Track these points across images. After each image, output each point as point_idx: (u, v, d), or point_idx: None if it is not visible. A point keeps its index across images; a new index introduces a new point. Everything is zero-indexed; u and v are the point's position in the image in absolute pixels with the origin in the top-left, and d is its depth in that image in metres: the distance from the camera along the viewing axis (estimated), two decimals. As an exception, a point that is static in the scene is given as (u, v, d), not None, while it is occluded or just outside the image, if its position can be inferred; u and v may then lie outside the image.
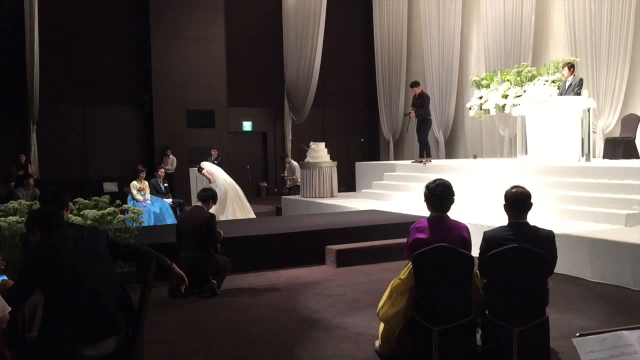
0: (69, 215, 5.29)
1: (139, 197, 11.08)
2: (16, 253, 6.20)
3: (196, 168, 12.58)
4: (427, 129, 11.67)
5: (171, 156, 15.73)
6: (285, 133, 18.36)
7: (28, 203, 7.88)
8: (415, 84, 11.84)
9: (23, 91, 14.37)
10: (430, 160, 11.65)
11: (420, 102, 11.46)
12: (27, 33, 14.05)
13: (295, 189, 14.60)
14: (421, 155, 11.72)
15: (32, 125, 14.58)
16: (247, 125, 18.28)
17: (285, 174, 15.39)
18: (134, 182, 11.27)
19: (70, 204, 5.42)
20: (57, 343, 3.03)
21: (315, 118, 18.00)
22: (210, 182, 11.13)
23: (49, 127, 15.09)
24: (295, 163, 15.01)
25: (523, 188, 3.97)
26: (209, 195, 6.56)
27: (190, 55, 16.40)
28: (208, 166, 11.56)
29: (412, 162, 11.84)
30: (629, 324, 2.79)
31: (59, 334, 3.03)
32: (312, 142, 13.09)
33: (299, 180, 14.41)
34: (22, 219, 6.29)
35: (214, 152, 14.93)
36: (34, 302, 3.51)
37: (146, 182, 11.52)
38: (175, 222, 10.80)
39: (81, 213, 6.80)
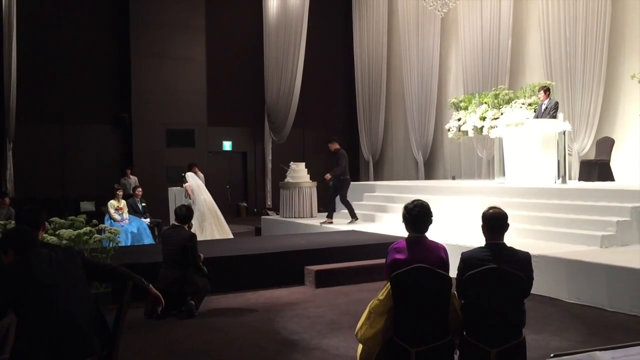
0: (44, 235, 5.22)
1: (116, 216, 10.97)
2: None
3: (178, 187, 12.46)
4: (346, 189, 10.97)
5: (131, 176, 14.54)
6: (266, 153, 18.36)
7: (3, 222, 7.75)
8: (331, 140, 11.23)
9: (0, 108, 14.20)
10: (331, 222, 10.88)
11: (336, 160, 10.93)
12: (5, 50, 13.93)
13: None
14: (329, 216, 11.01)
15: (8, 143, 14.39)
16: (227, 145, 18.24)
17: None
18: (112, 202, 11.15)
19: (46, 223, 5.35)
20: (29, 365, 2.97)
21: (296, 138, 18.03)
22: (189, 198, 11.03)
23: (26, 145, 14.89)
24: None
25: (500, 209, 4.02)
26: (186, 215, 6.50)
27: (170, 75, 16.36)
28: (192, 180, 11.36)
29: (322, 223, 10.95)
30: (604, 344, 2.82)
31: (32, 356, 2.98)
32: (292, 162, 13.08)
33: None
34: (-4, 238, 6.17)
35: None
36: (6, 323, 3.43)
37: (124, 201, 11.41)
38: (152, 242, 10.73)
39: (57, 233, 6.70)
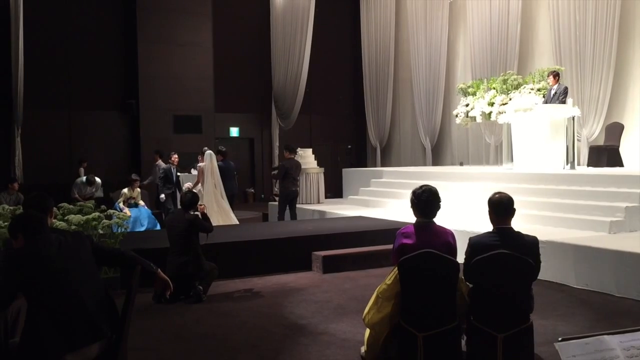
0: (53, 221, 5.25)
1: (123, 206, 11.04)
2: (-1, 258, 6.12)
3: (185, 173, 12.49)
4: (284, 203, 11.03)
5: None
6: (273, 139, 18.35)
7: (11, 208, 7.79)
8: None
9: (7, 95, 14.24)
10: None
11: None
12: (12, 37, 13.93)
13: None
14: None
15: (16, 129, 14.44)
16: (234, 131, 18.23)
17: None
18: (125, 191, 11.21)
19: (55, 209, 5.38)
20: (39, 349, 3.00)
21: (303, 124, 18.00)
22: (198, 182, 11.01)
23: (34, 131, 14.94)
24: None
25: (506, 194, 4.01)
26: (191, 201, 6.50)
27: (177, 61, 16.33)
28: (208, 161, 11.22)
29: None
30: (611, 329, 2.81)
31: (41, 340, 3.00)
32: (299, 148, 13.09)
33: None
34: (6, 224, 6.22)
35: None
36: (16, 307, 3.47)
37: (138, 190, 11.52)
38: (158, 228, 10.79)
39: (65, 218, 6.74)
